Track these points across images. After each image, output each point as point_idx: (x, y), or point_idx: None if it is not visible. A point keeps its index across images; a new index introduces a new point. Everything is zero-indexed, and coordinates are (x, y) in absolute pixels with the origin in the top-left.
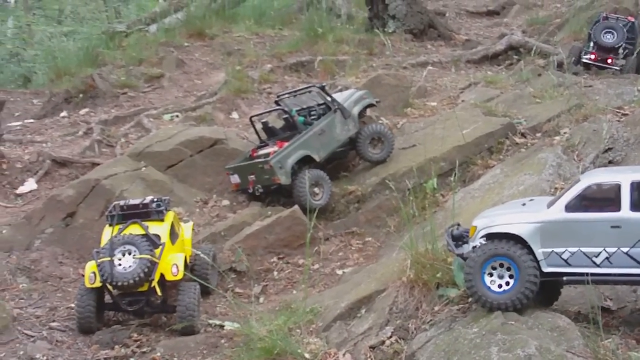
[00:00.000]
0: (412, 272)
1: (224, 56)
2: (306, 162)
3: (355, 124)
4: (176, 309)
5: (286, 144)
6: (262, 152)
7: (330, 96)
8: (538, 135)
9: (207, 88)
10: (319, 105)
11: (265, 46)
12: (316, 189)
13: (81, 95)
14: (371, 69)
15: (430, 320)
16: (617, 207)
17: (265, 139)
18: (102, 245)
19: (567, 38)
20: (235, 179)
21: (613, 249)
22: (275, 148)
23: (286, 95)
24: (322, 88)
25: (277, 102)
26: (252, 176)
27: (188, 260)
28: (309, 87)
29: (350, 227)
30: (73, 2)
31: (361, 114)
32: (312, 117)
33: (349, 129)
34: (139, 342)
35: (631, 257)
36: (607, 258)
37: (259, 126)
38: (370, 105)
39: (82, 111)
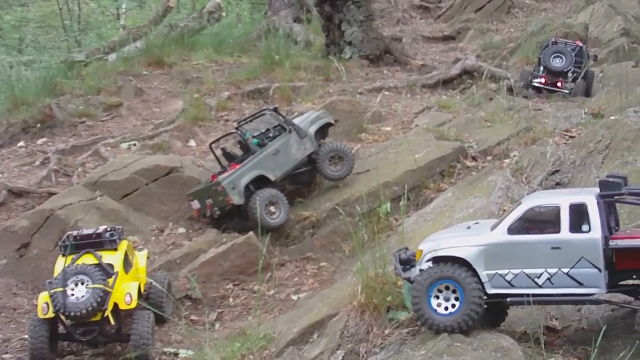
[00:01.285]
0: (363, 296)
1: (183, 84)
2: (263, 182)
3: (312, 143)
4: (130, 337)
5: (239, 165)
6: (220, 177)
7: (284, 117)
8: (488, 158)
9: (165, 116)
10: (274, 127)
11: (224, 74)
12: (272, 208)
13: (39, 125)
14: (327, 94)
15: (381, 343)
16: (557, 228)
17: (226, 165)
18: (55, 275)
19: (520, 62)
20: (195, 204)
21: (554, 270)
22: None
23: (244, 122)
24: (275, 110)
25: (237, 129)
26: (209, 200)
27: (142, 289)
28: (262, 110)
29: (305, 253)
30: (34, 31)
31: (324, 134)
32: (269, 139)
33: (306, 148)
34: None
35: (571, 278)
36: (548, 279)
37: (219, 152)
38: (328, 125)
39: (40, 141)
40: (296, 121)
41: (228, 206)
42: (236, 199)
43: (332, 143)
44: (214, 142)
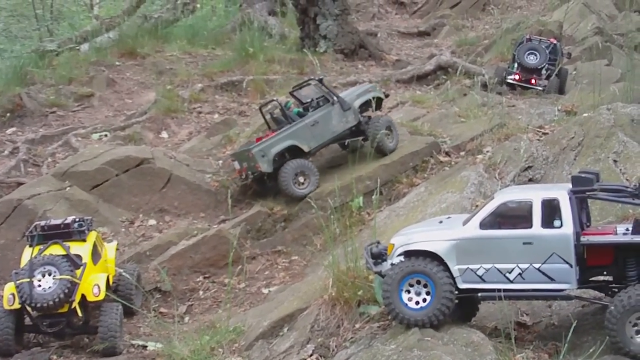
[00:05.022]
0: (334, 290)
1: (155, 75)
2: (300, 152)
3: (355, 116)
4: (98, 329)
5: (274, 133)
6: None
7: (328, 88)
8: (462, 153)
9: (138, 107)
10: (317, 98)
11: (198, 66)
12: (301, 178)
13: (8, 115)
14: None
15: (351, 337)
16: (529, 224)
17: (275, 129)
18: (22, 266)
19: (495, 59)
20: (236, 165)
21: (525, 265)
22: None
23: (296, 89)
24: (320, 80)
25: (291, 94)
26: (244, 163)
27: (111, 281)
28: (308, 80)
29: (277, 246)
30: (5, 19)
31: (378, 106)
32: (312, 109)
33: (348, 121)
34: None
35: (543, 273)
36: (519, 274)
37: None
38: (378, 99)
39: (9, 130)
40: (344, 93)
41: (256, 172)
42: (265, 166)
43: (385, 116)
44: (262, 105)
